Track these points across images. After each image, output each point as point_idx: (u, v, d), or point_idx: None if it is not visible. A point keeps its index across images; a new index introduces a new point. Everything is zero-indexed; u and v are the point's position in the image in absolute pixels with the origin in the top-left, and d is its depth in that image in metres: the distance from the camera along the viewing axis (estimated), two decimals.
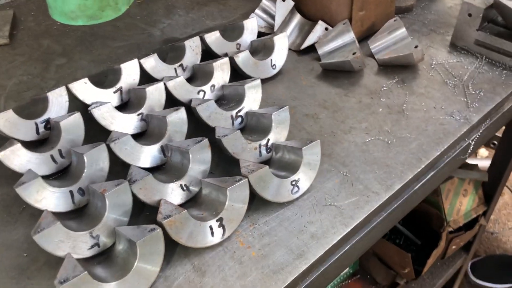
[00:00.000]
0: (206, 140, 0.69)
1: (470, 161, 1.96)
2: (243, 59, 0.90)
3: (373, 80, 0.94)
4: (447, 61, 0.99)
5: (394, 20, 1.00)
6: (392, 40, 0.99)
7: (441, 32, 1.09)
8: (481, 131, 0.87)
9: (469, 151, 0.85)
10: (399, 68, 0.96)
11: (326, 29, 1.01)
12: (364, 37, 1.04)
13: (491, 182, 1.39)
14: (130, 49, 1.02)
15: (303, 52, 1.01)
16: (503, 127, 1.33)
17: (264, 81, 0.93)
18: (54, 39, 1.04)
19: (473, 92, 0.90)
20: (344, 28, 0.97)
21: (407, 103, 0.88)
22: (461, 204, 1.34)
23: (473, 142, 0.85)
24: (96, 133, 0.76)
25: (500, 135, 1.36)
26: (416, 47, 0.92)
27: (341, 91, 0.91)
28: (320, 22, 1.00)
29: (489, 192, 1.41)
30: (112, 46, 1.03)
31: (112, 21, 1.12)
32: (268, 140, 0.75)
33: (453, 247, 1.37)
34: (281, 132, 0.76)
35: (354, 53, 0.90)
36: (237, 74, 0.91)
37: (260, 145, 0.74)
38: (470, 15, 0.98)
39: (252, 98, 0.82)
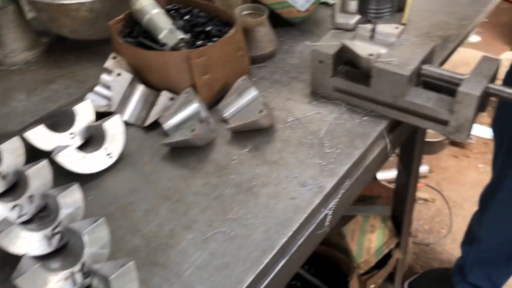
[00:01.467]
0: None
1: None
2: (67, 156, 0.79)
3: (224, 152, 0.85)
4: (305, 114, 0.91)
5: (243, 80, 0.91)
6: (243, 102, 0.90)
7: (303, 79, 1.01)
8: (340, 196, 0.79)
9: (327, 223, 0.77)
10: (253, 132, 0.88)
11: (172, 98, 0.91)
12: (218, 100, 0.95)
13: (398, 211, 1.33)
14: None
15: (150, 127, 0.91)
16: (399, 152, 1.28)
17: (99, 174, 0.82)
18: None
19: (329, 150, 0.83)
20: (186, 98, 0.87)
21: (258, 177, 0.79)
22: (370, 242, 1.27)
23: (331, 211, 0.77)
24: None
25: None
26: (260, 111, 0.83)
27: (187, 173, 0.81)
28: (163, 92, 0.91)
29: (398, 221, 1.35)
30: None
31: None
32: (84, 264, 0.64)
33: (372, 286, 1.29)
34: (99, 250, 0.66)
35: (192, 130, 0.81)
36: (70, 173, 0.80)
37: (72, 273, 0.63)
38: (321, 61, 0.91)
39: (71, 208, 0.71)
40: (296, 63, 1.06)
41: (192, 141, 0.82)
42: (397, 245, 1.33)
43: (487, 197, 1.41)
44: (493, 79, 0.82)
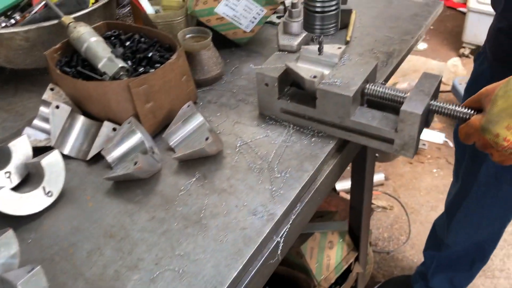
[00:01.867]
0: None
1: None
2: (1, 199, 0.74)
3: (170, 183, 0.82)
4: (254, 138, 0.90)
5: (188, 106, 0.89)
6: (188, 129, 0.88)
7: (250, 101, 1.00)
8: (291, 221, 0.77)
9: (279, 251, 0.75)
10: (201, 160, 0.85)
11: (115, 129, 0.88)
12: (164, 127, 0.92)
13: (355, 225, 1.34)
14: None
15: (93, 160, 0.87)
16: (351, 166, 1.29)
17: (39, 214, 0.78)
18: None
19: (279, 175, 0.81)
20: (129, 128, 0.84)
21: (207, 207, 0.77)
22: (329, 258, 1.26)
23: (283, 239, 0.75)
24: None
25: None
26: (207, 139, 0.81)
27: (132, 208, 0.78)
28: (105, 123, 0.87)
29: (356, 235, 1.35)
30: None
31: None
32: None
33: None
34: None
35: (135, 163, 0.78)
36: (6, 216, 0.75)
37: None
38: (266, 84, 0.90)
39: (5, 256, 0.66)
40: (243, 84, 1.05)
41: (136, 174, 0.79)
42: (357, 259, 1.33)
43: (454, 204, 1.41)
44: (435, 95, 0.83)
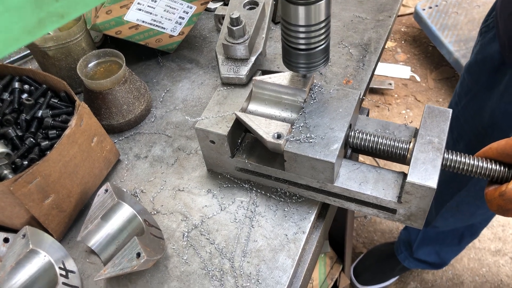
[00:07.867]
0: None
1: None
2: None
3: None
4: (206, 216, 0.66)
5: (106, 191, 0.63)
6: (114, 226, 0.63)
7: (193, 148, 0.74)
8: None
9: None
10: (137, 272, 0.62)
11: (7, 240, 0.62)
12: (79, 216, 0.67)
13: (337, 232, 1.16)
14: None
15: None
16: None
17: None
18: None
19: (248, 283, 0.59)
20: (24, 246, 0.58)
21: None
22: (312, 281, 1.09)
23: None
24: None
25: None
26: (138, 255, 0.57)
27: None
28: None
29: (339, 243, 1.18)
30: None
31: None
32: None
33: None
34: None
35: None
36: None
37: None
38: (212, 142, 0.64)
39: None
40: (179, 121, 0.78)
41: None
42: (342, 269, 1.17)
43: (445, 193, 1.22)
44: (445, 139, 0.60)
